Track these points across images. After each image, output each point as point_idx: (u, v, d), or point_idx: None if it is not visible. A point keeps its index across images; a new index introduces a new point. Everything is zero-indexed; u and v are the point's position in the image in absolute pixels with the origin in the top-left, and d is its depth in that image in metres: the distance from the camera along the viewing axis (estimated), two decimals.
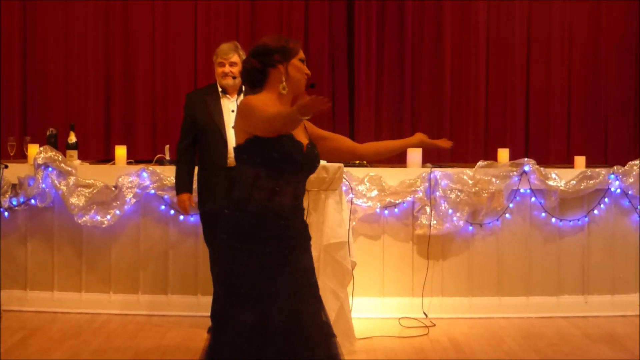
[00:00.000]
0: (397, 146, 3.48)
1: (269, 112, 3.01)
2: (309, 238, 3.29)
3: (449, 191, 5.75)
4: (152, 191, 5.72)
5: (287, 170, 3.11)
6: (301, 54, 3.22)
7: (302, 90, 3.18)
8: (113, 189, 5.68)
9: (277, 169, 3.09)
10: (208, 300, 5.76)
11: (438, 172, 5.78)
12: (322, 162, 4.72)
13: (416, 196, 5.76)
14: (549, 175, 5.84)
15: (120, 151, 5.88)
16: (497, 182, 5.79)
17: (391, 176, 5.78)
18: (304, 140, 3.20)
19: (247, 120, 3.07)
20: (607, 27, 7.61)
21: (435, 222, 5.73)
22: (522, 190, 5.87)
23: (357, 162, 5.87)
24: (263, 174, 3.09)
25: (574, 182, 5.85)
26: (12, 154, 6.05)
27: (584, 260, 5.95)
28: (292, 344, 3.05)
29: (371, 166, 5.92)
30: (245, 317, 3.04)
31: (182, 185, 5.22)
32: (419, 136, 3.44)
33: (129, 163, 5.90)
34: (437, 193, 5.74)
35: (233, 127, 3.17)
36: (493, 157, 6.15)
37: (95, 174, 5.73)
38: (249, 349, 3.03)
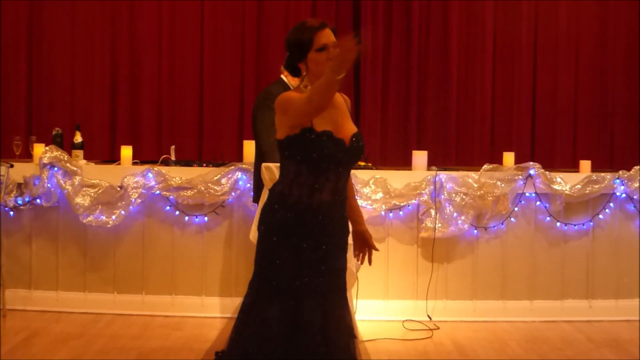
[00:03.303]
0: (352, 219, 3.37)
1: (305, 95, 2.98)
2: (347, 232, 3.24)
3: (454, 194, 5.74)
4: (158, 192, 5.72)
5: (328, 168, 3.08)
6: (320, 41, 3.07)
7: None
8: (118, 189, 5.69)
9: (317, 167, 3.07)
10: (212, 301, 5.78)
11: (443, 175, 5.78)
12: None
13: (421, 199, 5.74)
14: (554, 179, 5.84)
15: (126, 151, 5.88)
16: (502, 185, 5.78)
17: (396, 179, 5.77)
18: (349, 132, 3.14)
19: (288, 112, 3.04)
20: (613, 32, 7.61)
21: (440, 225, 5.72)
22: (527, 194, 5.86)
23: (363, 164, 5.87)
24: (304, 171, 3.08)
25: (579, 186, 5.84)
26: (17, 154, 6.06)
27: (588, 264, 5.94)
28: (316, 343, 3.04)
29: (376, 168, 5.92)
30: (274, 310, 3.04)
31: None
32: (364, 236, 3.37)
33: (134, 163, 5.90)
34: (442, 196, 5.74)
35: (275, 124, 3.15)
36: (498, 160, 6.14)
37: (100, 174, 5.73)
38: (274, 343, 3.02)
